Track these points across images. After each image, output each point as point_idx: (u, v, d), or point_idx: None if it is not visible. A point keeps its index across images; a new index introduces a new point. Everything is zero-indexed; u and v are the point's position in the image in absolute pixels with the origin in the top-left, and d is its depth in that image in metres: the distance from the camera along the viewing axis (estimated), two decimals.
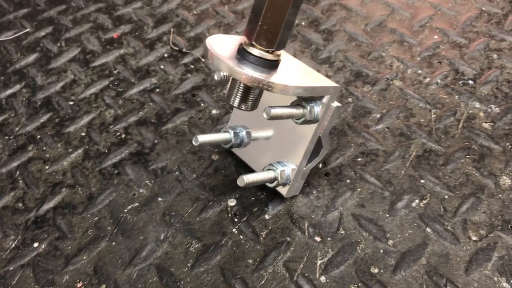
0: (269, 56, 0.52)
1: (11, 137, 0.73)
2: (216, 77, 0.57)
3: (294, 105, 0.56)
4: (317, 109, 0.56)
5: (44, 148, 0.71)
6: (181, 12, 0.90)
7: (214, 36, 0.55)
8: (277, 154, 0.61)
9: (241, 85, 0.53)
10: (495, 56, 0.76)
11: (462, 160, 0.63)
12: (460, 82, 0.73)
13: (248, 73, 0.50)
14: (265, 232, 0.59)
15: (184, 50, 0.82)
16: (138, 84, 0.78)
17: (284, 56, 0.56)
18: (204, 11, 0.90)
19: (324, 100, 0.55)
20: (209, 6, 0.90)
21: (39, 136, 0.72)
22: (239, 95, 0.54)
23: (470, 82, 0.73)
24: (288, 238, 0.58)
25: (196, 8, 0.90)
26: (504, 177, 0.61)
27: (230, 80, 0.55)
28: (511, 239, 0.56)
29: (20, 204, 0.64)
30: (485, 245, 0.56)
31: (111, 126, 0.72)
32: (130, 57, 0.83)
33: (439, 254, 0.55)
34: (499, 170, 0.62)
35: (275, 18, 0.50)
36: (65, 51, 0.85)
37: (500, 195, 0.60)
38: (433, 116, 0.69)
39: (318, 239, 0.58)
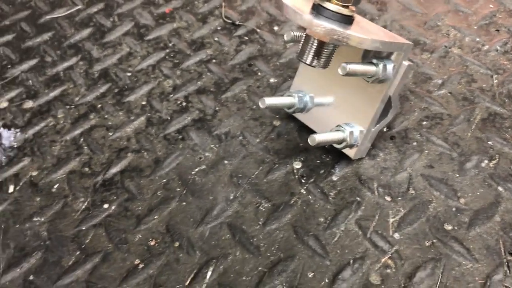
0: (345, 11, 0.52)
1: (72, 106, 0.74)
2: (286, 37, 0.58)
3: (366, 63, 0.56)
4: (390, 67, 0.56)
5: (106, 116, 0.72)
6: None
7: None
8: (344, 116, 0.61)
9: (316, 41, 0.54)
10: None
11: None
12: None
13: (326, 26, 0.50)
14: (333, 192, 0.59)
15: (237, 23, 0.83)
16: (194, 55, 0.78)
17: (357, 16, 0.56)
18: None
19: (396, 57, 0.55)
20: None
21: (100, 105, 0.73)
22: (313, 51, 0.54)
23: None
24: (358, 198, 0.58)
25: None
26: None
27: (304, 36, 0.55)
28: None
29: (87, 169, 0.65)
30: None
31: (171, 95, 0.73)
32: (184, 30, 0.83)
33: None
34: None
35: None
36: (119, 25, 0.86)
37: None
38: (495, 81, 0.68)
39: (388, 198, 0.58)
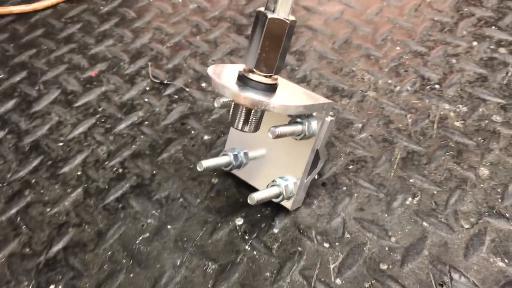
0: (269, 81, 0.56)
1: (5, 184, 0.72)
2: (216, 105, 0.61)
3: (292, 123, 0.60)
4: (314, 123, 0.60)
5: (42, 191, 0.71)
6: (155, 45, 0.93)
7: (213, 66, 0.59)
8: (278, 170, 0.64)
9: (244, 109, 0.57)
10: (454, 61, 0.84)
11: (443, 157, 0.69)
12: (428, 87, 0.80)
13: (252, 97, 0.54)
14: (276, 245, 0.62)
15: (165, 82, 0.85)
16: (126, 119, 0.80)
17: (281, 80, 0.60)
18: (177, 43, 0.93)
19: (320, 115, 0.60)
20: (181, 38, 0.94)
21: (34, 180, 0.72)
22: (243, 118, 0.57)
23: (437, 86, 0.79)
24: (299, 248, 0.61)
25: (169, 41, 0.93)
26: (482, 168, 0.68)
27: (233, 105, 0.58)
28: (498, 222, 0.62)
29: (28, 249, 0.64)
30: (477, 231, 0.61)
31: (107, 162, 0.74)
32: (112, 93, 0.84)
33: (439, 245, 0.60)
34: (476, 162, 0.68)
35: (272, 46, 0.54)
36: (45, 93, 0.85)
37: (482, 185, 0.66)
38: (409, 120, 0.75)
39: (327, 245, 0.62)
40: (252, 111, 0.58)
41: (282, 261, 0.60)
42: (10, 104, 0.84)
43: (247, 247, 0.62)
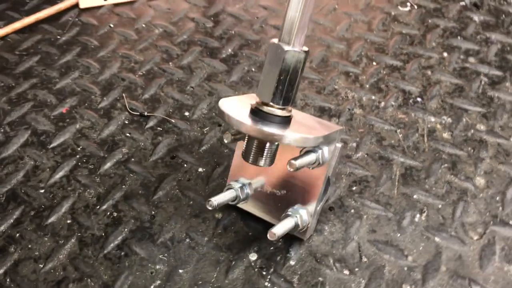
0: (284, 113, 0.54)
1: None
2: (226, 140, 0.59)
3: (305, 152, 0.59)
4: (326, 151, 0.59)
5: (30, 245, 0.65)
6: (125, 75, 0.88)
7: (223, 99, 0.57)
8: (290, 200, 0.63)
9: (260, 143, 0.55)
10: (429, 72, 0.86)
11: (440, 171, 0.71)
12: (411, 101, 0.81)
13: (270, 131, 0.52)
14: (296, 278, 0.61)
15: (145, 114, 0.81)
16: (110, 157, 0.75)
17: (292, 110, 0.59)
18: (149, 71, 0.89)
19: (332, 142, 0.59)
20: (153, 65, 0.90)
21: (18, 234, 0.66)
22: (258, 152, 0.56)
23: (419, 99, 0.82)
24: (320, 278, 0.60)
25: (140, 69, 0.89)
26: (478, 178, 0.70)
27: (246, 140, 0.56)
28: (504, 230, 0.64)
29: None
30: (486, 241, 0.63)
31: (98, 207, 0.69)
32: (89, 130, 0.79)
33: (454, 259, 0.62)
34: (472, 173, 0.71)
35: (289, 78, 0.53)
36: (13, 136, 0.78)
37: (481, 195, 0.68)
38: (400, 135, 0.76)
39: (347, 272, 0.61)
40: (267, 145, 0.56)
41: None
42: None
43: (267, 283, 0.60)
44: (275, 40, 0.53)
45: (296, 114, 0.59)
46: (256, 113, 0.54)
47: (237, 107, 0.56)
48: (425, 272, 0.60)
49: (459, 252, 0.62)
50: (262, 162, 0.56)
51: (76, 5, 1.04)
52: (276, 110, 0.54)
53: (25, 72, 0.90)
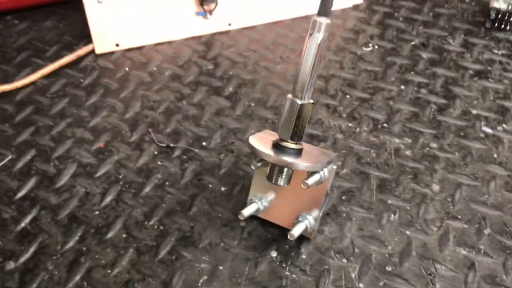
0: (298, 146, 0.75)
1: (58, 256, 0.82)
2: (253, 167, 0.79)
3: (311, 173, 0.80)
4: (326, 172, 0.80)
5: (96, 256, 0.82)
6: (148, 113, 1.07)
7: (252, 136, 0.77)
8: (298, 209, 0.83)
9: (280, 168, 0.76)
10: (391, 103, 1.09)
11: (405, 181, 0.94)
12: (379, 126, 1.04)
13: (289, 160, 0.73)
14: (308, 267, 0.81)
15: (171, 145, 1.00)
16: (148, 182, 0.93)
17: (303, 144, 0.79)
18: (167, 108, 1.08)
19: (330, 165, 0.80)
20: (169, 103, 1.09)
21: (85, 248, 0.83)
22: (279, 174, 0.76)
23: (385, 125, 1.04)
24: (326, 266, 0.81)
25: (159, 107, 1.08)
26: (434, 185, 0.93)
27: (270, 166, 0.77)
28: (455, 223, 0.87)
29: None
30: (443, 232, 0.86)
31: (146, 222, 0.87)
32: (126, 160, 0.97)
33: (421, 246, 0.84)
34: (429, 181, 0.94)
35: (301, 123, 0.74)
36: (63, 168, 0.95)
37: (437, 197, 0.91)
38: (374, 154, 0.99)
39: (345, 260, 0.82)
40: (285, 170, 0.77)
41: (317, 278, 0.79)
42: (32, 182, 0.93)
43: (287, 272, 0.80)
44: (290, 95, 0.74)
45: (304, 145, 0.80)
46: (278, 147, 0.75)
47: (261, 143, 0.76)
48: (401, 257, 0.82)
49: (424, 241, 0.85)
50: (281, 182, 0.77)
51: (92, 51, 1.21)
52: (292, 145, 0.75)
53: (59, 113, 1.07)
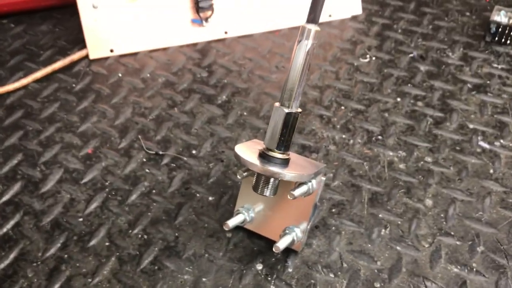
0: (284, 156, 0.73)
1: (39, 262, 0.80)
2: (239, 177, 0.77)
3: (299, 184, 0.77)
4: (314, 183, 0.78)
5: (78, 264, 0.80)
6: (138, 119, 1.05)
7: (238, 145, 0.75)
8: (286, 221, 0.81)
9: (266, 179, 0.74)
10: (386, 115, 1.07)
11: (398, 195, 0.91)
12: (373, 139, 1.02)
13: (275, 170, 0.71)
14: (294, 281, 0.79)
15: (160, 153, 0.98)
16: (134, 190, 0.91)
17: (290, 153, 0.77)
18: (158, 116, 1.06)
19: (318, 176, 0.78)
20: (161, 110, 1.07)
21: (66, 255, 0.81)
22: (265, 185, 0.74)
23: (380, 137, 1.02)
24: (312, 281, 0.79)
25: (150, 114, 1.06)
26: (427, 200, 0.91)
27: (256, 176, 0.74)
28: (447, 240, 0.84)
29: None
30: (434, 248, 0.83)
31: (130, 231, 0.85)
32: (114, 167, 0.95)
33: (411, 262, 0.81)
34: (422, 196, 0.91)
35: (288, 132, 0.72)
36: (49, 174, 0.94)
37: (430, 213, 0.89)
38: (366, 167, 0.96)
39: (332, 275, 0.80)
40: (272, 180, 0.74)
41: None
42: (16, 187, 0.91)
43: (272, 286, 0.78)
44: (278, 104, 0.72)
45: (292, 155, 0.78)
46: (264, 156, 0.73)
47: (248, 152, 0.75)
48: (390, 273, 0.80)
49: (415, 257, 0.82)
50: (267, 193, 0.75)
51: (86, 56, 1.20)
52: (278, 154, 0.73)
53: (49, 117, 1.05)
